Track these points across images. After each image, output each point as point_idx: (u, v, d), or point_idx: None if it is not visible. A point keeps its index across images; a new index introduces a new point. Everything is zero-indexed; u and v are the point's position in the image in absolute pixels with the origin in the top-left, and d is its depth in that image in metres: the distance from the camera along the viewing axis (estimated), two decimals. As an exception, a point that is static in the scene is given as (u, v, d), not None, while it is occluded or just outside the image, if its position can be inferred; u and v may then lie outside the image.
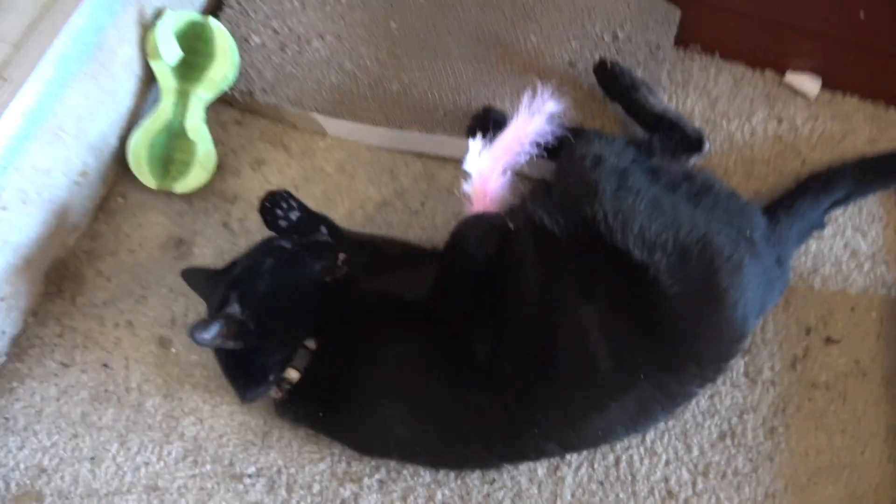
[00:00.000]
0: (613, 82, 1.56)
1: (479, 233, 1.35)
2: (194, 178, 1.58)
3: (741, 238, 1.29)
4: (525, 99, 1.43)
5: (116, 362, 1.50)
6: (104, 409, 1.47)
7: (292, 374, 1.32)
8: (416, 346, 1.31)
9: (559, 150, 1.42)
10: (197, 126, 1.58)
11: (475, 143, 1.42)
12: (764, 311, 1.43)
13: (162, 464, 1.43)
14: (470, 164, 1.42)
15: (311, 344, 1.33)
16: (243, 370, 1.34)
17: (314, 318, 1.33)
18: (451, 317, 1.30)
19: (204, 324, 1.21)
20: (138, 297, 1.54)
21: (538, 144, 1.43)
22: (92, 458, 1.44)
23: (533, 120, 1.42)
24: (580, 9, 1.64)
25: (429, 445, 1.34)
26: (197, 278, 1.41)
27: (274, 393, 1.35)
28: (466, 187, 1.43)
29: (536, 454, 1.39)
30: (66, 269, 1.56)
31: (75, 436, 1.45)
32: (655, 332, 1.23)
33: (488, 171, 1.41)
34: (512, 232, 1.35)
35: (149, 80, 1.61)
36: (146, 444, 1.44)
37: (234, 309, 1.25)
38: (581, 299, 1.26)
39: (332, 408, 1.34)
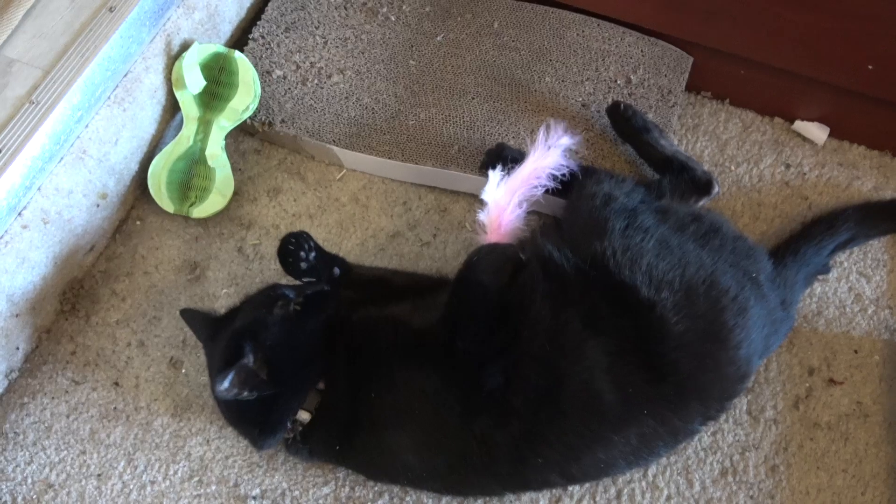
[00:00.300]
0: (626, 124, 1.60)
1: (493, 262, 1.37)
2: (212, 203, 1.62)
3: (747, 279, 1.32)
4: (541, 133, 1.47)
5: (127, 381, 1.52)
6: (113, 427, 1.48)
7: (304, 416, 1.33)
8: (425, 374, 1.31)
9: (570, 187, 1.46)
10: (216, 153, 1.62)
11: (494, 175, 1.45)
12: (768, 353, 1.45)
13: (168, 483, 1.44)
14: (488, 195, 1.45)
15: (320, 384, 1.34)
16: (258, 421, 1.33)
17: (323, 362, 1.34)
18: (462, 346, 1.30)
19: (221, 376, 1.21)
20: (151, 319, 1.57)
21: (554, 177, 1.46)
22: (99, 475, 1.45)
23: (549, 154, 1.46)
24: (595, 53, 1.69)
25: (436, 472, 1.35)
26: (195, 320, 1.42)
27: (286, 433, 1.35)
28: (482, 216, 1.47)
29: (539, 484, 1.39)
30: (81, 288, 1.59)
31: (83, 452, 1.47)
32: (659, 369, 1.24)
33: (505, 202, 1.44)
34: (523, 263, 1.37)
35: (172, 108, 1.66)
36: (153, 462, 1.46)
37: (249, 360, 1.26)
38: (588, 333, 1.27)
39: (344, 440, 1.35)
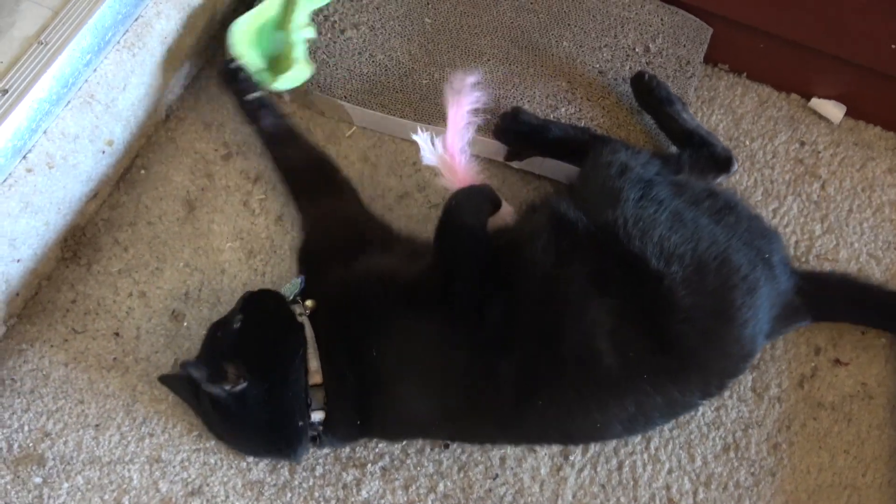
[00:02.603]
0: (649, 95, 1.57)
1: (472, 203, 1.36)
2: (299, 73, 1.60)
3: (759, 259, 1.30)
4: (448, 87, 1.45)
5: (127, 332, 1.50)
6: (112, 378, 1.47)
7: (318, 416, 1.31)
8: (424, 321, 1.30)
9: (585, 155, 1.43)
10: (302, 24, 1.62)
11: (420, 137, 1.44)
12: (776, 336, 1.45)
13: (166, 436, 1.43)
14: (427, 158, 1.44)
15: (316, 378, 1.31)
16: (274, 435, 1.32)
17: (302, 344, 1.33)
18: (458, 289, 1.29)
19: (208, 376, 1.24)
20: (154, 270, 1.55)
21: (476, 112, 1.46)
22: (97, 426, 1.43)
23: (463, 96, 1.44)
24: (614, 19, 1.66)
25: (447, 416, 1.33)
26: (174, 384, 1.41)
27: (311, 432, 1.33)
28: (442, 182, 1.47)
29: (538, 437, 1.39)
30: (83, 235, 1.56)
31: (81, 402, 1.45)
32: (664, 339, 1.24)
33: (449, 155, 1.43)
34: (499, 202, 1.41)
35: (182, 55, 1.63)
36: (151, 415, 1.44)
37: (230, 374, 1.26)
38: (595, 292, 1.26)
39: (362, 413, 1.33)
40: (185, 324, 1.51)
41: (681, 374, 1.27)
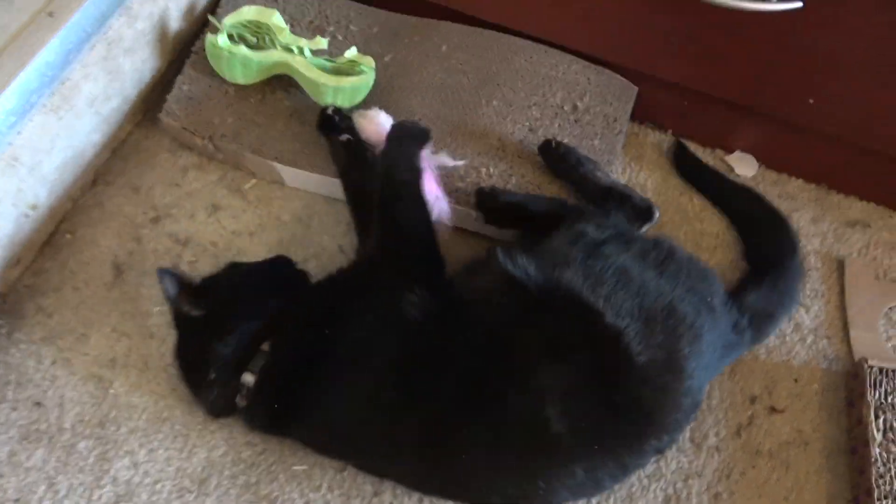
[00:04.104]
0: (560, 160, 1.58)
1: (405, 157, 1.39)
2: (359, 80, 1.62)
3: (702, 304, 1.31)
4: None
5: (50, 401, 1.44)
6: (33, 450, 1.40)
7: (248, 378, 1.30)
8: (362, 327, 1.29)
9: (548, 223, 1.42)
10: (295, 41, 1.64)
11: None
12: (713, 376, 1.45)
13: (90, 508, 1.38)
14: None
15: (265, 346, 1.31)
16: (199, 376, 1.33)
17: (264, 314, 1.34)
18: (392, 263, 1.32)
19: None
20: (79, 336, 1.50)
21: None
22: (16, 500, 1.36)
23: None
24: (542, 79, 1.69)
25: (368, 443, 1.31)
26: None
27: (239, 400, 1.32)
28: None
29: (470, 495, 1.33)
30: (4, 303, 1.51)
31: (0, 476, 1.38)
32: (620, 406, 1.21)
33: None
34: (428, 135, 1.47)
35: (109, 118, 1.61)
36: (75, 487, 1.38)
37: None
38: (546, 357, 1.22)
39: (292, 406, 1.30)
40: (112, 391, 1.46)
41: (635, 438, 1.24)
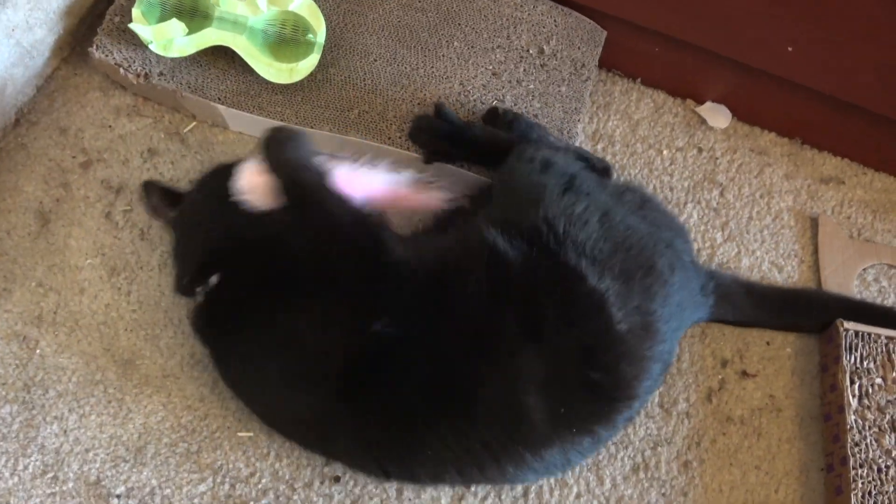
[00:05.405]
0: (508, 128, 1.45)
1: (294, 145, 1.24)
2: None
3: (677, 261, 1.23)
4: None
5: (-30, 363, 1.32)
6: (-50, 415, 1.29)
7: (214, 279, 1.22)
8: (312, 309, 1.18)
9: (504, 157, 1.30)
10: None
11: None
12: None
13: (16, 479, 1.26)
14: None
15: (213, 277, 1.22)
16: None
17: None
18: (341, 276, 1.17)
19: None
20: (2, 291, 1.37)
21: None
22: (-69, 471, 1.25)
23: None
24: (506, 20, 1.58)
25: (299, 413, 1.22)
26: None
27: (198, 293, 1.23)
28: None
29: (427, 477, 1.25)
30: (-83, 254, 1.38)
31: (-88, 445, 1.26)
32: (599, 382, 1.13)
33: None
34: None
35: (35, 53, 1.46)
36: (-1, 456, 1.27)
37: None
38: (526, 339, 1.12)
39: (229, 336, 1.23)
40: (38, 351, 1.34)
41: (611, 414, 1.16)
